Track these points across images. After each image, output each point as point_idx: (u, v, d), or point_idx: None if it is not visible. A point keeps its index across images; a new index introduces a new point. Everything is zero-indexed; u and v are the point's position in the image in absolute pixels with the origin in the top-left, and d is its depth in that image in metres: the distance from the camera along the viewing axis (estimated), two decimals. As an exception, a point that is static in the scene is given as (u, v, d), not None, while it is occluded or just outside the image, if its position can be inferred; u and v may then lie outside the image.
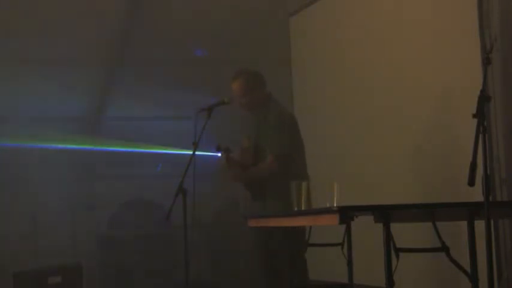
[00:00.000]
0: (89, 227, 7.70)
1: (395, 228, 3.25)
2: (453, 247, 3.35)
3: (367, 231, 3.75)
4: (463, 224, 3.37)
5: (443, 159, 4.66)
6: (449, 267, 3.35)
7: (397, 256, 3.18)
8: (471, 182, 2.79)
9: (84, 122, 8.05)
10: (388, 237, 3.18)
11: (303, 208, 3.83)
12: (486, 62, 3.25)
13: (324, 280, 5.64)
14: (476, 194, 2.98)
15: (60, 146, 7.71)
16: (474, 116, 2.89)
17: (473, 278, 3.27)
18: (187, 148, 4.63)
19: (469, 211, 3.28)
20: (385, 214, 3.19)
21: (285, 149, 4.63)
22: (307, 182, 3.96)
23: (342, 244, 3.87)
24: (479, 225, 3.13)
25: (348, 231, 3.68)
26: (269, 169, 4.63)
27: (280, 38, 7.02)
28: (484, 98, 2.94)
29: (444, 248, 3.31)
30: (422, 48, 4.85)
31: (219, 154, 4.74)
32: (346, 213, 3.26)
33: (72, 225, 7.51)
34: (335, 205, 3.56)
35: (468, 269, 3.29)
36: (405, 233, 3.58)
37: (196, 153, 4.41)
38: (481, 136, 2.86)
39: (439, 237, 3.30)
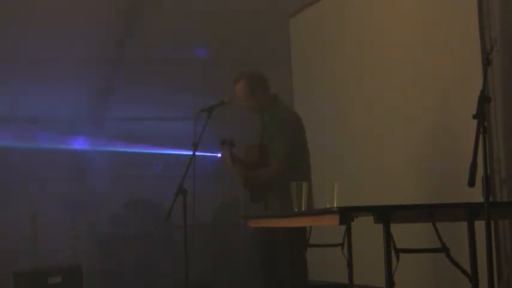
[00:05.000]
0: (89, 227, 7.71)
1: (396, 228, 3.25)
2: (453, 248, 3.35)
3: (367, 232, 3.75)
4: (463, 225, 3.37)
5: (443, 160, 4.66)
6: (450, 267, 3.35)
7: (397, 257, 3.18)
8: (471, 183, 2.79)
9: (84, 122, 8.06)
10: (388, 238, 3.18)
11: (303, 209, 3.83)
12: (486, 62, 3.25)
13: (324, 280, 5.64)
14: (477, 195, 2.98)
15: (60, 146, 7.71)
16: (474, 116, 2.89)
17: (474, 278, 3.27)
18: (187, 148, 4.63)
19: (469, 212, 3.28)
20: (385, 215, 3.19)
21: (290, 151, 4.61)
22: (307, 182, 3.96)
23: (342, 244, 3.87)
24: (480, 225, 3.13)
25: (348, 231, 3.68)
26: (274, 172, 4.62)
27: (280, 38, 7.02)
28: (484, 99, 2.93)
29: (444, 249, 3.31)
30: (422, 48, 4.85)
31: (222, 148, 4.71)
32: (346, 214, 3.26)
33: (72, 225, 7.52)
34: (335, 206, 3.56)
35: (468, 270, 3.29)
36: (405, 233, 3.57)
37: (196, 153, 4.41)
38: (481, 137, 2.86)
39: (439, 237, 3.30)
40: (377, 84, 5.32)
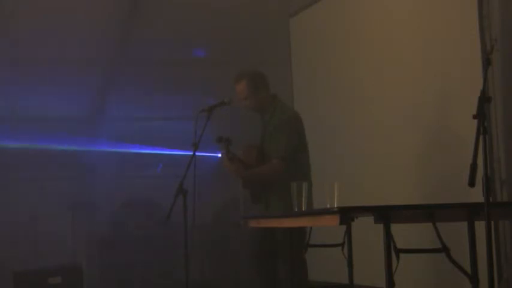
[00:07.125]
0: (89, 227, 7.71)
1: (396, 228, 3.25)
2: (453, 248, 3.34)
3: (367, 232, 3.75)
4: (464, 225, 3.37)
5: (443, 160, 4.66)
6: (450, 268, 3.35)
7: (398, 257, 3.18)
8: (471, 183, 2.79)
9: (84, 122, 8.06)
10: (388, 238, 3.18)
11: (303, 209, 3.83)
12: (486, 63, 3.25)
13: (324, 281, 5.64)
14: (477, 195, 2.98)
15: (60, 146, 7.71)
16: (474, 116, 2.89)
17: (474, 278, 3.27)
18: (188, 149, 4.63)
19: (469, 212, 3.28)
20: (385, 215, 3.19)
21: (290, 151, 4.61)
22: (307, 182, 3.96)
23: (342, 245, 3.87)
24: (480, 226, 3.13)
25: (348, 231, 3.68)
26: (274, 171, 4.61)
27: (280, 38, 7.02)
28: (484, 99, 2.93)
29: (444, 249, 3.31)
30: (422, 48, 4.85)
31: (219, 146, 4.71)
32: (347, 214, 3.26)
33: (72, 225, 7.51)
34: (335, 206, 3.56)
35: (468, 270, 3.29)
36: (405, 233, 3.58)
37: (196, 153, 4.41)
38: (481, 137, 2.86)
39: (440, 238, 3.30)
40: (377, 84, 5.32)
